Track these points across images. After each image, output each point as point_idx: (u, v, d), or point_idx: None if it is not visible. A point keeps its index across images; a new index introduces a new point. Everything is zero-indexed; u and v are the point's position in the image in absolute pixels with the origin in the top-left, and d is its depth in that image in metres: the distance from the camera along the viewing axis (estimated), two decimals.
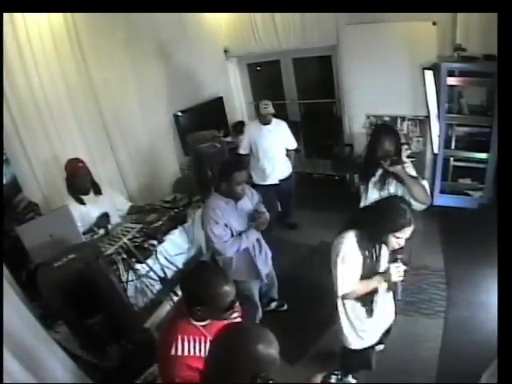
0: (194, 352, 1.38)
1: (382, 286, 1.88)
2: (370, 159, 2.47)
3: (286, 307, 3.15)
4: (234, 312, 1.49)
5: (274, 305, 3.14)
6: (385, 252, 1.89)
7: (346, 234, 1.84)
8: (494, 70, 2.89)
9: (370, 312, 1.98)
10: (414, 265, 3.13)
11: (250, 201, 2.64)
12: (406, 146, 4.44)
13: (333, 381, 1.42)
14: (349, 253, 1.81)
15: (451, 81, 3.65)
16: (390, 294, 2.08)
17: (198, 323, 1.44)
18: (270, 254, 2.82)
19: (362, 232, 1.81)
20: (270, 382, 1.06)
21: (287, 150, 3.89)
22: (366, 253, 1.82)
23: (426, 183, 2.45)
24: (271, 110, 3.64)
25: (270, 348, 1.07)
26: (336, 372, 1.48)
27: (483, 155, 3.76)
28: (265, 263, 2.75)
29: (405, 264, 1.83)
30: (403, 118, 4.39)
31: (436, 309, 2.95)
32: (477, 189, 3.97)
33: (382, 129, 2.66)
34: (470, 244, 3.19)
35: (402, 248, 1.82)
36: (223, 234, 2.44)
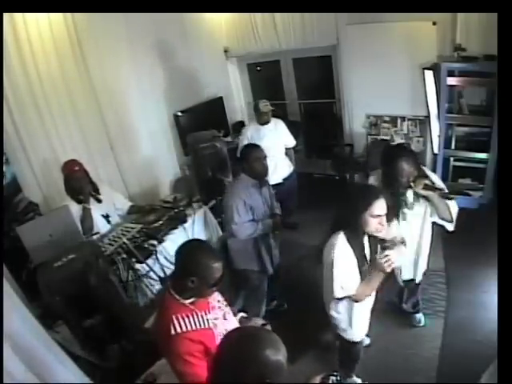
0: (191, 326, 1.50)
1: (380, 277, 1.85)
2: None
3: (286, 307, 3.16)
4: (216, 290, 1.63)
5: (274, 304, 3.14)
6: (375, 246, 1.92)
7: (335, 236, 1.87)
8: (493, 69, 2.89)
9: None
10: None
11: (268, 191, 2.75)
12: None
13: (331, 382, 1.41)
14: (341, 254, 1.83)
15: (451, 81, 3.65)
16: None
17: (185, 301, 1.54)
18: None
19: (346, 228, 1.86)
20: None
21: (286, 149, 3.91)
22: (357, 250, 1.86)
23: (452, 203, 2.22)
24: (270, 107, 3.72)
25: (278, 354, 1.07)
26: (335, 373, 1.47)
27: (483, 155, 3.76)
28: (275, 256, 2.87)
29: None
30: (403, 118, 4.40)
31: (436, 309, 2.94)
32: (477, 189, 3.98)
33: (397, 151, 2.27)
34: (469, 244, 3.19)
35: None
36: (246, 216, 2.55)
